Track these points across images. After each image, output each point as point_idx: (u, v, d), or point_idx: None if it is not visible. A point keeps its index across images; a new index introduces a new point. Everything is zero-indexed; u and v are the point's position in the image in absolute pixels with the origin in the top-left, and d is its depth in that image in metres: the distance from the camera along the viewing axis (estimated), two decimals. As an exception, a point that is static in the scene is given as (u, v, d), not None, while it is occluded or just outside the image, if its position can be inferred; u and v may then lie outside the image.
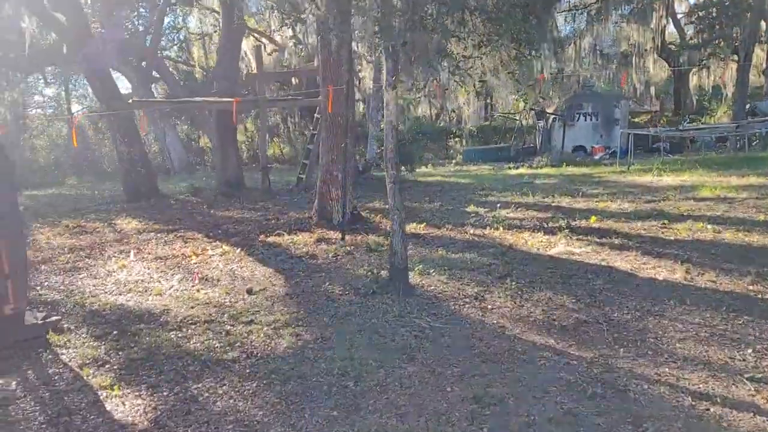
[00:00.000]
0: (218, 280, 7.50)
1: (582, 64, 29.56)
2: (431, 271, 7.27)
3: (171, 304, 6.50)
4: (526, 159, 24.08)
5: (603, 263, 7.32)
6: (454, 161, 25.35)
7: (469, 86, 5.55)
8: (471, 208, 11.78)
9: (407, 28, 4.83)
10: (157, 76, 24.91)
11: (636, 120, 30.85)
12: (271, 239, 9.74)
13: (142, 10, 27.07)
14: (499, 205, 11.77)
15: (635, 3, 25.70)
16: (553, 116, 27.07)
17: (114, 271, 8.18)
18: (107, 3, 17.92)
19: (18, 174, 21.87)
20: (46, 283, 7.61)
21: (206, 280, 7.55)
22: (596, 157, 23.41)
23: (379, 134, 17.66)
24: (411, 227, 10.14)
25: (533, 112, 28.93)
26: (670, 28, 30.35)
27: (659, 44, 27.74)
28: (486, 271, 7.24)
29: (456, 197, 13.60)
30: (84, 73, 15.02)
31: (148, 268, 8.27)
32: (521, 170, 19.61)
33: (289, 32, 22.63)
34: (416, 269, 7.28)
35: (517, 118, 30.41)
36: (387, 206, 12.71)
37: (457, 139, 31.23)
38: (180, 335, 5.55)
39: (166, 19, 30.29)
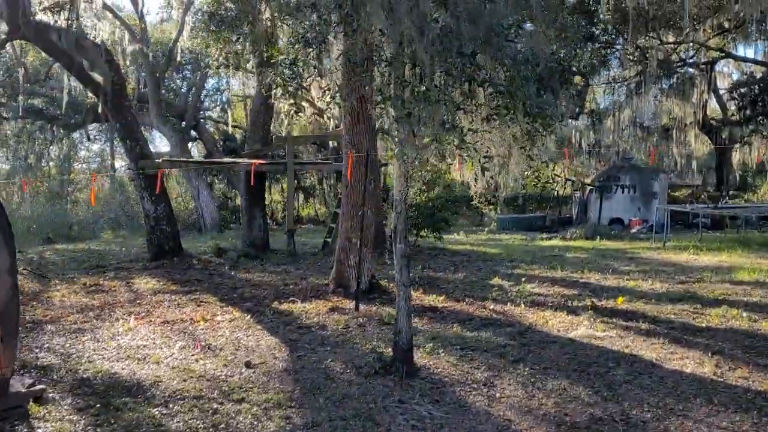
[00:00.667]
0: (221, 350, 7.21)
1: (621, 136, 29.28)
2: (441, 350, 6.87)
3: (164, 375, 6.21)
4: (561, 230, 23.63)
5: (626, 350, 6.84)
6: (486, 229, 24.97)
7: (476, 161, 5.25)
8: (495, 281, 11.39)
9: (414, 99, 4.61)
10: (196, 135, 25.38)
11: (676, 194, 30.22)
12: (284, 306, 9.47)
13: (187, 72, 27.83)
14: (524, 278, 11.35)
15: (675, 78, 25.51)
16: (590, 187, 26.66)
17: (119, 334, 7.96)
18: (154, 66, 18.39)
19: (50, 228, 22.07)
20: (47, 345, 7.41)
21: (209, 348, 7.26)
22: (633, 231, 22.83)
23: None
24: (430, 299, 9.80)
25: (570, 182, 28.57)
26: (713, 104, 29.94)
27: (700, 119, 27.32)
28: (500, 352, 6.82)
29: (482, 268, 13.22)
30: (116, 132, 15.21)
31: (154, 333, 8.03)
32: (554, 242, 19.16)
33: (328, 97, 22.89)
34: (426, 347, 6.90)
35: (554, 187, 30.02)
36: (412, 275, 12.45)
37: (491, 206, 30.89)
38: (164, 412, 5.23)
39: (211, 81, 31.11)
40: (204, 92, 33.30)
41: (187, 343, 7.51)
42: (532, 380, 5.96)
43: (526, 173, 6.08)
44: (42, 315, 9.00)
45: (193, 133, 25.31)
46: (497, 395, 5.60)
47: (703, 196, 28.98)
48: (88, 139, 28.54)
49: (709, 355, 6.61)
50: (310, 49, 6.09)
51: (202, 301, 9.93)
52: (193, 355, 7.01)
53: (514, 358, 6.61)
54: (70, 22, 13.50)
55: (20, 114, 22.10)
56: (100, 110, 16.40)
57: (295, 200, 26.21)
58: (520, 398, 5.52)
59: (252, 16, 12.73)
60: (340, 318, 8.60)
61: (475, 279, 11.81)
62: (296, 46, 7.05)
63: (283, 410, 5.25)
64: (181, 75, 25.67)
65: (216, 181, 30.15)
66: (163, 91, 24.70)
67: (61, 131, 24.37)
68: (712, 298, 9.30)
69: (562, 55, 6.26)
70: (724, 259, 13.00)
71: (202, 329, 8.20)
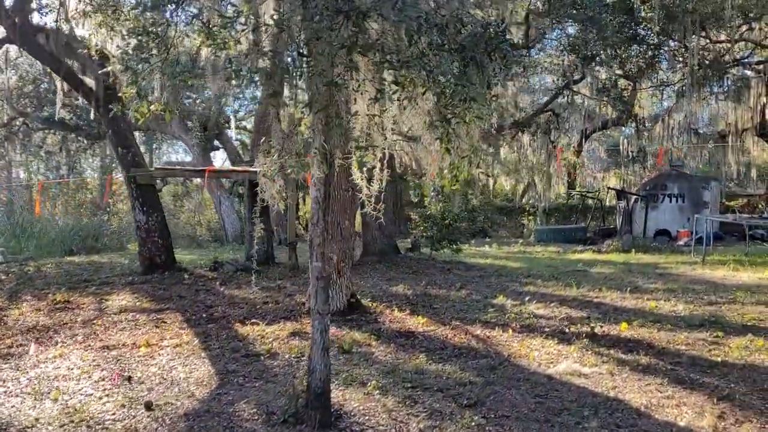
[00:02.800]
0: (141, 383, 6.24)
1: (672, 143, 27.51)
2: (383, 391, 5.72)
3: (45, 418, 5.26)
4: (601, 242, 22.06)
5: (611, 393, 5.57)
6: (521, 241, 23.54)
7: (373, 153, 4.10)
8: (499, 299, 10.17)
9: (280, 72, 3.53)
10: (219, 145, 24.78)
11: (731, 204, 28.16)
12: (245, 329, 8.45)
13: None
14: (529, 297, 10.08)
15: (728, 80, 23.75)
16: (635, 196, 24.92)
17: (44, 362, 7.09)
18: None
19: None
20: (-45, 374, 6.58)
21: (128, 381, 6.30)
22: (680, 243, 21.07)
23: (421, 211, 16.33)
24: (412, 322, 8.66)
25: (613, 191, 26.91)
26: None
27: (758, 123, 25.34)
28: (455, 393, 5.63)
29: (492, 284, 11.98)
30: (108, 138, 14.57)
31: (83, 360, 7.12)
32: (586, 255, 17.70)
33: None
34: (368, 386, 5.77)
35: (596, 196, 28.37)
36: (410, 292, 11.31)
37: (531, 217, 29.43)
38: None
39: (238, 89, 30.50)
40: (235, 100, 32.89)
41: (109, 373, 6.57)
42: (478, 434, 4.78)
43: (444, 170, 4.93)
44: (-18, 337, 8.23)
45: (216, 142, 24.68)
46: (424, 455, 4.44)
47: (761, 206, 26.92)
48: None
49: (714, 401, 5.29)
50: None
51: (163, 322, 9.01)
52: (104, 389, 6.06)
53: (469, 401, 5.41)
54: (57, 24, 12.89)
55: (41, 125, 21.81)
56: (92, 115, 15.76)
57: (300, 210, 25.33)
58: (450, 460, 4.35)
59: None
60: (298, 344, 7.53)
61: (478, 297, 10.60)
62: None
63: (147, 471, 4.22)
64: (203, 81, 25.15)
65: (240, 191, 29.53)
66: (188, 100, 24.18)
67: (84, 141, 24.02)
68: (739, 325, 7.88)
69: (493, 20, 5.00)
70: (766, 276, 11.43)
71: (139, 357, 7.26)
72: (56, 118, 16.84)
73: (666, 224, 23.57)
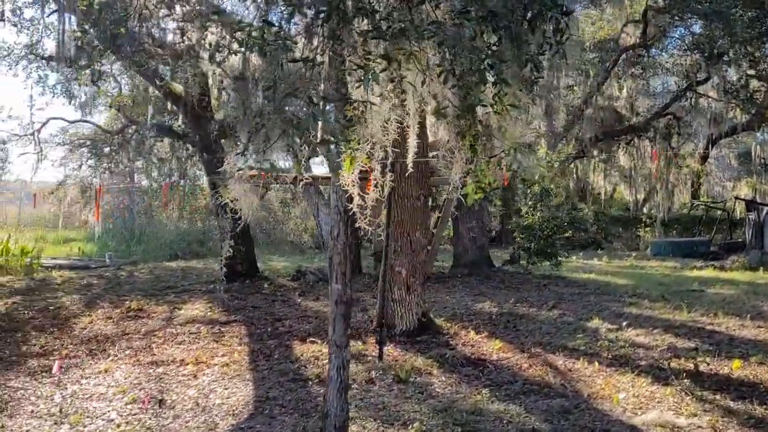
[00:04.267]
0: (171, 408, 5.72)
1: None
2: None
3: (49, 447, 4.79)
4: (726, 257, 19.99)
5: (710, 456, 4.46)
6: (635, 254, 21.74)
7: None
8: (594, 322, 9.03)
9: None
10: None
11: None
12: (303, 347, 7.82)
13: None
14: (628, 321, 8.87)
15: None
16: (767, 207, 22.52)
17: (87, 377, 6.73)
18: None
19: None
20: (-7, 387, 6.32)
21: (159, 404, 5.79)
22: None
23: (518, 221, 15.19)
24: (488, 346, 7.72)
25: (743, 201, 24.50)
26: None
27: None
28: (512, 445, 4.70)
29: (590, 303, 10.77)
30: (195, 144, 14.44)
31: (126, 377, 6.72)
32: (705, 271, 15.93)
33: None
34: (413, 428, 4.94)
35: (723, 207, 25.97)
36: (495, 309, 10.33)
37: (648, 228, 27.33)
38: None
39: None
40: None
41: (145, 394, 6.09)
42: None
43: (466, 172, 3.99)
44: (42, 345, 8.04)
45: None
46: None
47: None
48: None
49: None
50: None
51: (223, 336, 8.54)
52: (129, 414, 5.56)
53: (526, 456, 4.47)
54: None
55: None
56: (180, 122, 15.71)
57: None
58: None
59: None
60: (353, 370, 6.79)
61: (570, 319, 9.47)
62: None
63: None
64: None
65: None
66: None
67: (190, 148, 24.37)
68: None
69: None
70: None
71: (183, 376, 6.76)
72: (149, 123, 16.92)
73: (804, 238, 21.12)
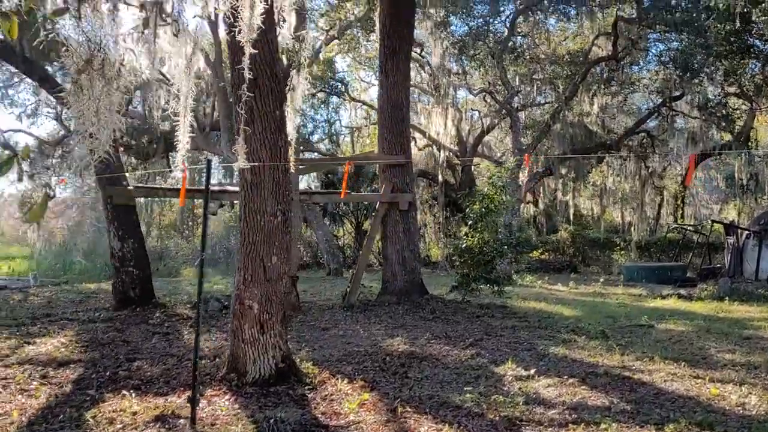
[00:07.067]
0: None
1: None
2: None
3: None
4: (703, 283, 18.48)
5: None
6: (602, 280, 20.17)
7: None
8: (505, 367, 7.52)
9: None
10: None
11: None
12: (111, 404, 6.18)
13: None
14: (545, 366, 7.38)
15: None
16: (746, 231, 20.96)
17: None
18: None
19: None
20: None
21: None
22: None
23: (456, 243, 13.66)
24: (347, 403, 6.18)
25: (720, 225, 23.03)
26: None
27: None
28: None
29: (517, 341, 9.29)
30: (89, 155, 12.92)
31: None
32: (669, 301, 14.44)
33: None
34: None
35: (701, 231, 24.47)
36: (404, 347, 8.80)
37: (623, 252, 25.85)
38: None
39: (323, 113, 30.11)
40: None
41: None
42: None
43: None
44: None
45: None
46: None
47: None
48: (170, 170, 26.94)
49: None
50: None
51: (43, 383, 6.96)
52: None
53: None
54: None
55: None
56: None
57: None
58: None
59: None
60: (150, 438, 5.25)
61: (482, 361, 7.94)
62: None
63: None
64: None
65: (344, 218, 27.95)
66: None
67: (134, 160, 22.90)
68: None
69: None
70: None
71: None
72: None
73: (786, 265, 19.61)
